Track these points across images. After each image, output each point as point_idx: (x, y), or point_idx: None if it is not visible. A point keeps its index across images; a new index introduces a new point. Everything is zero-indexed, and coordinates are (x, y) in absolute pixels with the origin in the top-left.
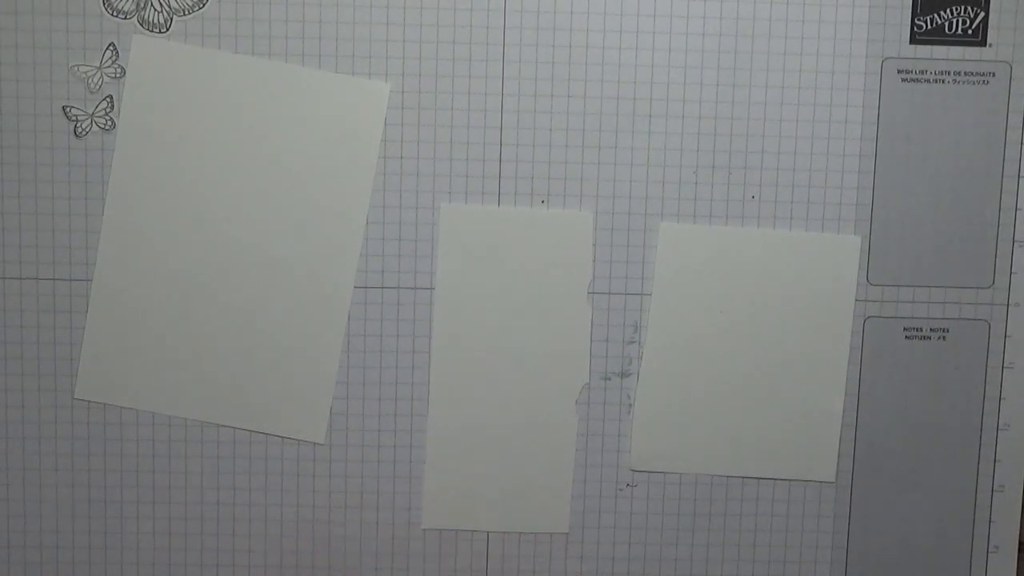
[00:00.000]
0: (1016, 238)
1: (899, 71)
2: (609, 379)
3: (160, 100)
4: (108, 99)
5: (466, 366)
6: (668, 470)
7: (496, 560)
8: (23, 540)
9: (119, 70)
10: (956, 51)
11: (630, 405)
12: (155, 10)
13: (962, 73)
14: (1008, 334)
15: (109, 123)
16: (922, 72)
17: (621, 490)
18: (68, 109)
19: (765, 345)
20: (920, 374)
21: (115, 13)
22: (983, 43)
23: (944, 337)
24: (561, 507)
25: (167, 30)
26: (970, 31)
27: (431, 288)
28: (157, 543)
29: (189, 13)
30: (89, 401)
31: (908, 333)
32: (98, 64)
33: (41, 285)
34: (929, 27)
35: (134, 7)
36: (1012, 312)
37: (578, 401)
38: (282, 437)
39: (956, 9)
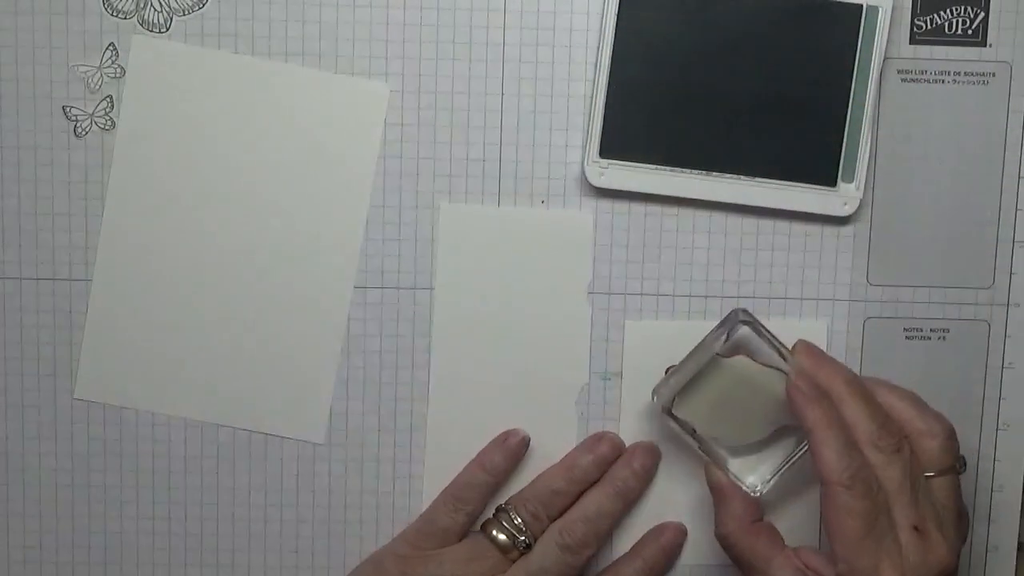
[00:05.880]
0: (1016, 238)
1: (899, 71)
2: (609, 379)
3: (160, 100)
4: (108, 99)
5: (466, 366)
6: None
7: None
8: (23, 540)
9: (119, 70)
10: (956, 51)
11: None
12: (155, 10)
13: (962, 73)
14: (1008, 334)
15: (109, 123)
16: (922, 72)
17: None
18: (68, 109)
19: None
20: (920, 374)
21: (115, 13)
22: (983, 43)
23: (944, 337)
24: None
25: (167, 30)
26: (970, 31)
27: (431, 288)
28: (157, 543)
29: (189, 13)
30: (89, 401)
31: (908, 333)
32: (98, 64)
33: (41, 285)
34: (929, 27)
35: (134, 7)
36: (1012, 312)
37: (577, 401)
38: (282, 437)
39: (956, 9)
